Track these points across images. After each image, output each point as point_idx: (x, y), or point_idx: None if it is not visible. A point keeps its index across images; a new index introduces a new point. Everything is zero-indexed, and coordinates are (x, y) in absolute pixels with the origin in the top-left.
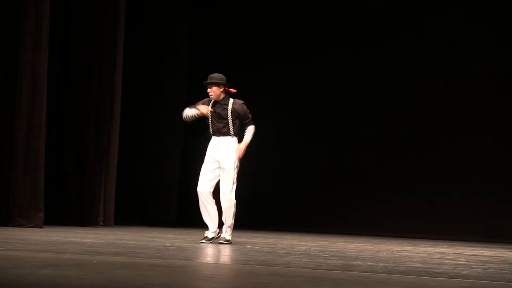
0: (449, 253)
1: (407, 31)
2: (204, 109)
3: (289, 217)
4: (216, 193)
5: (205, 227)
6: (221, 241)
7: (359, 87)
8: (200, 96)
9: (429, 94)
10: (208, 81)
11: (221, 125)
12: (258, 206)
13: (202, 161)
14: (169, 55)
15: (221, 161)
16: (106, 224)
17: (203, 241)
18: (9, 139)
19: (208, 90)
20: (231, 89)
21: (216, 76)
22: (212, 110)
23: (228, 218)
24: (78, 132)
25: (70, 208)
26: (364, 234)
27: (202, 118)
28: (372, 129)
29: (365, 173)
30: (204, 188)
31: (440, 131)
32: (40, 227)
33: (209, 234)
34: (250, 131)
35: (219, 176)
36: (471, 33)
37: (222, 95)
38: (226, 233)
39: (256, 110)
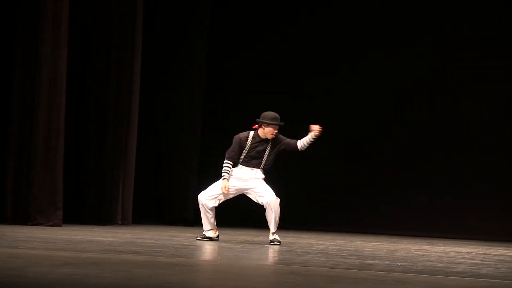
0: (467, 252)
1: (421, 32)
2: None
3: (307, 216)
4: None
5: (220, 225)
6: (275, 243)
7: (379, 86)
8: (216, 99)
9: (444, 98)
10: (279, 123)
11: (255, 160)
12: None
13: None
14: (186, 56)
15: (248, 189)
16: (124, 223)
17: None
18: (28, 138)
19: (275, 131)
20: None
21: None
22: (254, 145)
23: (277, 220)
24: (96, 131)
25: (88, 207)
26: (382, 233)
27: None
28: (390, 131)
29: (383, 173)
30: (209, 204)
31: (462, 131)
32: (59, 225)
33: (212, 234)
34: None
35: (227, 198)
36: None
37: None
38: (276, 234)
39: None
